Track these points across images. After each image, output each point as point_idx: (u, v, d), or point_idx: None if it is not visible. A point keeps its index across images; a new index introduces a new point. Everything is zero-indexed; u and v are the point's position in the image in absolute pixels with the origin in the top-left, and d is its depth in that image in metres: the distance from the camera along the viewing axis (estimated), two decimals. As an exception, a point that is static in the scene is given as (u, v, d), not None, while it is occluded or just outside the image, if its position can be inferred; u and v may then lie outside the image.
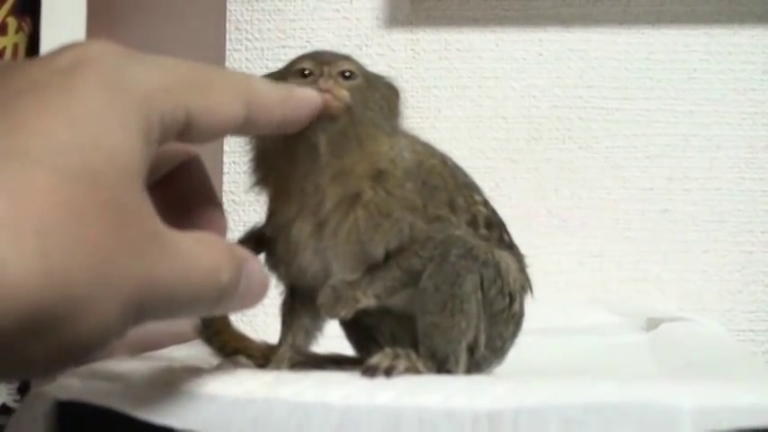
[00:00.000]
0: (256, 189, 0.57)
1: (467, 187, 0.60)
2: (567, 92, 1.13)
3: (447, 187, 0.58)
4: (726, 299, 1.10)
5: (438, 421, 0.42)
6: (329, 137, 0.53)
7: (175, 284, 0.35)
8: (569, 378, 0.46)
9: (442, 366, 0.55)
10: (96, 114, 0.33)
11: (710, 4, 1.11)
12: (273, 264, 0.57)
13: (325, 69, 0.54)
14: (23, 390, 0.72)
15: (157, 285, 0.34)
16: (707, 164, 1.11)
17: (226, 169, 1.16)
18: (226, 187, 1.14)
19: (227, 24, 1.18)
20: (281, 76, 0.55)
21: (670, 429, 0.41)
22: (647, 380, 0.48)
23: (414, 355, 0.53)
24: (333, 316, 0.56)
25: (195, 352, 0.66)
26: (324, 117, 0.51)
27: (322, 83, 0.52)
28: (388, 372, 0.49)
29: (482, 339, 0.57)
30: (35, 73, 0.34)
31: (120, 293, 0.32)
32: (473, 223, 0.59)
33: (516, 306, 0.60)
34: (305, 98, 0.47)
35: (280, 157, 0.55)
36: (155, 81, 0.36)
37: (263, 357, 0.62)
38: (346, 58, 0.56)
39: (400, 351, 0.52)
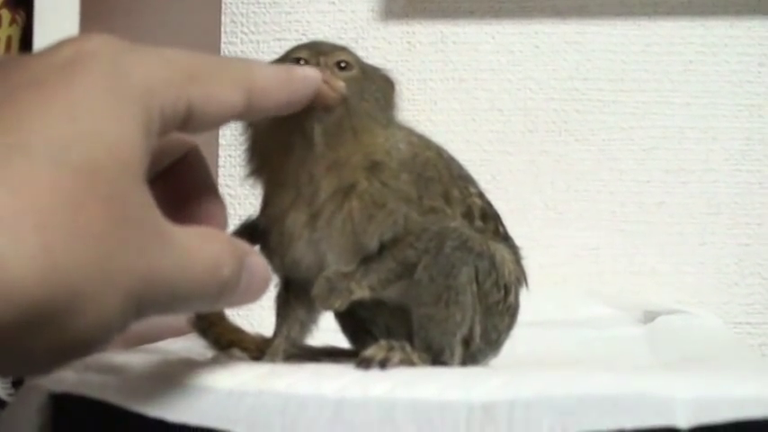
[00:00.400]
0: (251, 180, 0.57)
1: (462, 179, 0.60)
2: (564, 84, 1.13)
3: (442, 179, 0.58)
4: (722, 291, 1.10)
5: (433, 413, 0.42)
6: (324, 127, 0.53)
7: (176, 279, 0.35)
8: (565, 370, 0.46)
9: (436, 358, 0.55)
10: (96, 108, 0.33)
11: (707, -5, 1.11)
12: (268, 255, 0.57)
13: (322, 60, 0.54)
14: (18, 383, 0.72)
15: (158, 280, 0.34)
16: (703, 156, 1.11)
17: (221, 163, 1.16)
18: (222, 181, 1.14)
19: (223, 17, 1.17)
20: (276, 66, 0.55)
21: (665, 421, 0.41)
22: (643, 372, 0.48)
23: (408, 348, 0.53)
24: (327, 307, 0.56)
25: (190, 345, 0.66)
26: (319, 107, 0.51)
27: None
28: (383, 364, 0.49)
29: (477, 331, 0.57)
30: (35, 67, 0.34)
31: (122, 288, 0.32)
32: (468, 215, 0.58)
33: (511, 298, 0.60)
34: (305, 78, 0.46)
35: (275, 148, 0.55)
36: (154, 73, 0.36)
37: (257, 350, 0.62)
38: (343, 48, 0.56)
39: (395, 343, 0.52)
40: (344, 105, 0.53)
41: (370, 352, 0.50)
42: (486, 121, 1.14)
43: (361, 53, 0.57)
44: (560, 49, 1.13)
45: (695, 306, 1.05)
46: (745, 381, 0.43)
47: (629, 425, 0.41)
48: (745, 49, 1.11)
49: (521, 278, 0.61)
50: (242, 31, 1.17)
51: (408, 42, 1.15)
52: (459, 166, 0.61)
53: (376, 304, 0.57)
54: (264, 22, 1.17)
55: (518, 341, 0.63)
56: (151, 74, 0.36)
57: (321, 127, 0.52)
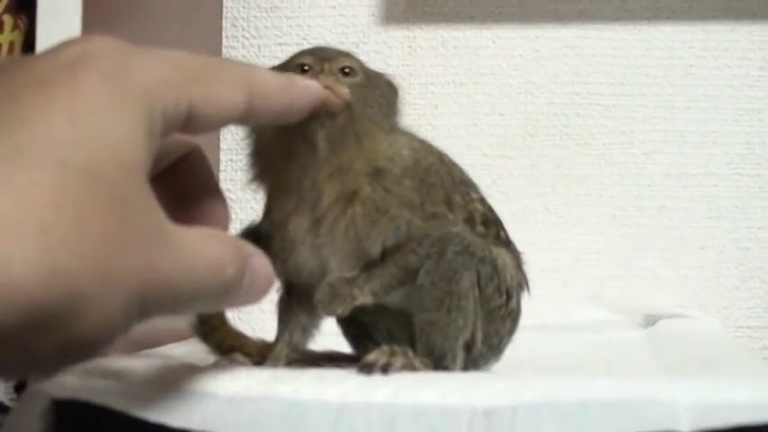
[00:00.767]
0: (254, 185, 0.57)
1: (464, 184, 0.60)
2: (564, 88, 1.13)
3: (444, 185, 0.58)
4: (723, 295, 1.10)
5: (435, 418, 0.42)
6: (328, 133, 0.53)
7: (180, 279, 0.35)
8: (566, 375, 0.46)
9: (438, 363, 0.55)
10: (99, 110, 0.33)
11: (707, 0, 1.11)
12: (270, 261, 0.57)
13: (326, 66, 0.54)
14: (20, 388, 0.72)
15: (162, 281, 0.34)
16: (704, 160, 1.11)
17: (222, 167, 1.16)
18: (223, 185, 1.13)
19: (224, 21, 1.17)
20: (280, 71, 0.55)
21: (668, 425, 0.41)
22: (645, 376, 0.48)
23: (411, 353, 0.53)
24: (329, 313, 0.56)
25: (192, 349, 0.66)
26: (323, 113, 0.51)
27: (322, 79, 0.52)
28: (385, 369, 0.49)
29: (479, 336, 0.57)
30: (37, 68, 0.34)
31: (125, 289, 0.32)
32: (470, 220, 0.59)
33: (513, 303, 0.60)
34: (306, 88, 0.46)
35: (278, 153, 0.55)
36: (156, 75, 0.36)
37: (259, 355, 0.62)
38: (347, 54, 0.56)
39: (397, 348, 0.52)
40: (348, 111, 0.53)
41: (372, 357, 0.50)
42: (486, 125, 1.13)
43: (361, 58, 0.57)
44: (561, 53, 1.13)
45: (696, 310, 1.05)
46: (746, 385, 0.43)
47: (631, 429, 0.41)
48: (745, 54, 1.11)
49: (522, 283, 0.62)
50: (243, 36, 1.17)
51: (409, 47, 1.15)
52: (461, 172, 0.61)
53: (378, 309, 0.57)
54: (265, 27, 1.17)
55: (520, 346, 0.63)
56: (153, 75, 0.36)
57: (324, 133, 0.52)
